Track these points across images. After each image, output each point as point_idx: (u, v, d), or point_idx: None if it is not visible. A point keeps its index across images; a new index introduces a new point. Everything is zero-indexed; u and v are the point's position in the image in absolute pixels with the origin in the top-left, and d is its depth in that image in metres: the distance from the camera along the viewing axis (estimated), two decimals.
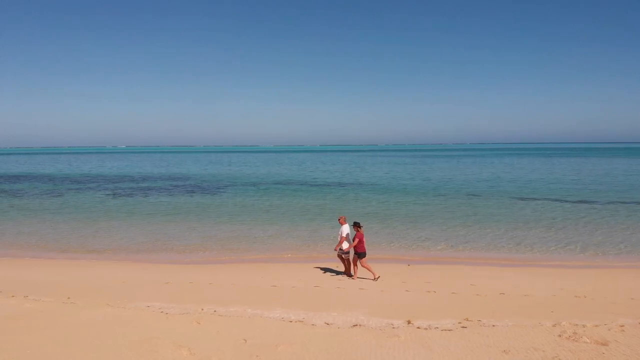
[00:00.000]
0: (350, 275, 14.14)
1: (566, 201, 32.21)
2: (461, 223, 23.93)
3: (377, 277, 13.53)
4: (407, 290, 12.08)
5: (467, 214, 26.77)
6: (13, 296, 11.12)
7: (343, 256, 14.17)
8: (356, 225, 13.70)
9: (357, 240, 13.51)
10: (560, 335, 7.74)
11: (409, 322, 8.82)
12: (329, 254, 18.13)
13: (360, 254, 13.58)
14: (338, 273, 14.66)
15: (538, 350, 7.13)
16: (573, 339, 7.55)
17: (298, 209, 29.79)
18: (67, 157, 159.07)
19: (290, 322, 8.93)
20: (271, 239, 20.99)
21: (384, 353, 7.21)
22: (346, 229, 13.98)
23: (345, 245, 13.98)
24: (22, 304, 10.32)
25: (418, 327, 8.49)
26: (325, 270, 15.20)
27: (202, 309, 9.87)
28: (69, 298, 10.95)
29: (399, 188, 42.60)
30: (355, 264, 13.89)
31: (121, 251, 19.02)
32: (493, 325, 8.53)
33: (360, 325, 8.75)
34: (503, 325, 8.51)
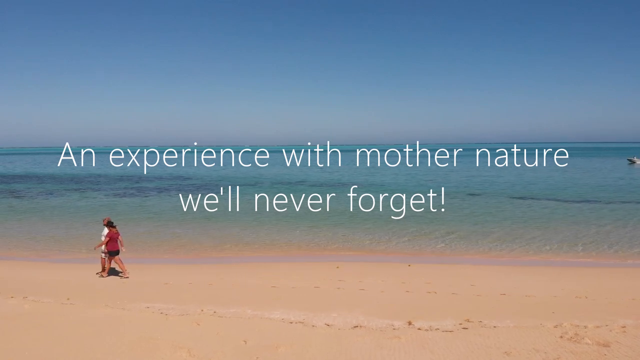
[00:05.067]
0: (103, 274, 14.32)
1: (566, 201, 32.20)
2: (461, 222, 23.90)
3: (126, 275, 14.07)
4: (407, 291, 12.04)
5: (467, 214, 26.74)
6: (12, 297, 11.09)
7: (103, 256, 14.41)
8: (108, 225, 14.18)
9: (107, 238, 13.98)
10: (561, 337, 7.71)
11: (409, 323, 8.78)
12: (329, 254, 18.12)
13: (111, 252, 14.03)
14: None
15: (540, 352, 7.09)
16: (574, 340, 7.51)
17: (298, 208, 29.74)
18: (67, 157, 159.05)
19: (291, 323, 8.90)
20: (271, 239, 20.94)
21: (384, 354, 7.17)
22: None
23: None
24: (22, 304, 10.29)
25: (419, 328, 8.45)
26: (326, 270, 15.15)
27: (202, 310, 9.83)
28: (68, 299, 10.92)
29: (399, 187, 42.56)
30: (109, 262, 14.20)
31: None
32: (494, 326, 8.49)
33: (360, 326, 8.71)
34: (504, 326, 8.48)
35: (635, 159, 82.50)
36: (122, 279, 13.89)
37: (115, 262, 14.16)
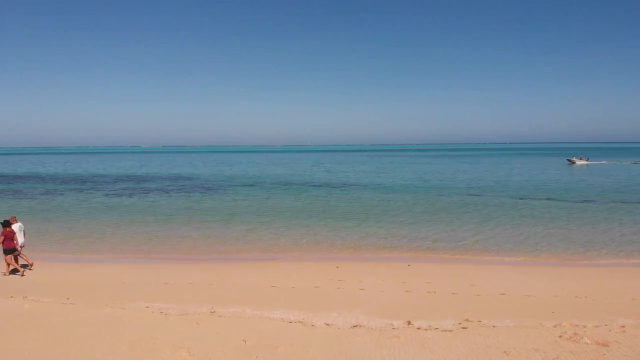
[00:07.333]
0: (15, 272, 14.47)
1: (567, 201, 32.20)
2: (461, 222, 23.90)
3: (21, 272, 14.27)
4: (407, 291, 12.05)
5: (467, 214, 26.74)
6: (12, 297, 11.10)
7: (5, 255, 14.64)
8: (4, 225, 14.45)
9: (2, 237, 14.23)
10: (561, 336, 7.71)
11: (409, 323, 8.79)
12: (329, 254, 18.12)
13: (5, 250, 14.32)
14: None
15: (539, 352, 7.09)
16: (574, 340, 7.51)
17: (298, 209, 29.75)
18: (66, 157, 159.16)
19: (290, 322, 8.90)
20: (271, 238, 20.95)
21: (384, 354, 7.18)
22: (15, 227, 14.73)
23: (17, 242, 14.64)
24: (22, 304, 10.30)
25: (418, 328, 8.46)
26: (326, 270, 15.15)
27: (202, 310, 9.84)
28: (68, 298, 10.92)
29: (400, 187, 42.56)
30: (9, 261, 14.41)
31: (120, 251, 18.98)
32: (493, 326, 8.49)
33: (360, 325, 8.72)
34: (503, 326, 8.48)
35: (574, 159, 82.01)
36: (121, 280, 13.89)
37: (20, 258, 14.56)
